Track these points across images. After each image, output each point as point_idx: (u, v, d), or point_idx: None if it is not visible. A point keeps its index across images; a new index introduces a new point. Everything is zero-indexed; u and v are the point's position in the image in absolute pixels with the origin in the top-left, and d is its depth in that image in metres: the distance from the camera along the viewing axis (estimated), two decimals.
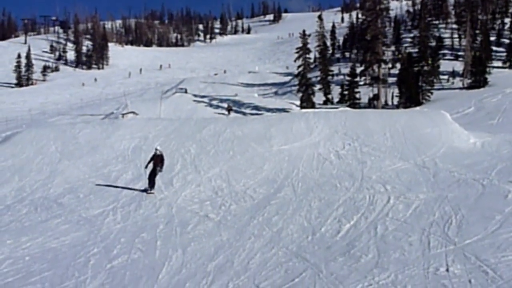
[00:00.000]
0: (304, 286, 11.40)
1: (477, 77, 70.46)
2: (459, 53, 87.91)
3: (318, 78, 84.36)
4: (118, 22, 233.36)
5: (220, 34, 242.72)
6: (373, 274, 11.63)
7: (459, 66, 79.87)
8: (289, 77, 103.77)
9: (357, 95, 75.60)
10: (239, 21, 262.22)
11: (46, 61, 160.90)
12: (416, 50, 79.74)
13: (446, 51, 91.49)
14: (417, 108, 59.44)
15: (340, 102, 76.50)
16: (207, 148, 26.95)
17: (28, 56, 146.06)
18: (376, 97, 73.23)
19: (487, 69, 72.46)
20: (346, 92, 77.26)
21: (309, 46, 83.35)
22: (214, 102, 76.71)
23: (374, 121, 28.42)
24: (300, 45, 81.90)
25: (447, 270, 11.39)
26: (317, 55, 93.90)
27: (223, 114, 62.97)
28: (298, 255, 13.46)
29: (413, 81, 70.75)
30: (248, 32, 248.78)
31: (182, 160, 25.60)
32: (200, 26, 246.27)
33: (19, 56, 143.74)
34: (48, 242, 16.47)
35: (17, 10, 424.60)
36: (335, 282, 11.46)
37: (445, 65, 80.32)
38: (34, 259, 14.96)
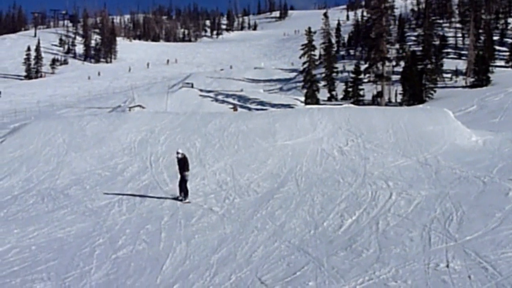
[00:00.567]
0: (306, 279, 11.39)
1: (480, 76, 70.31)
2: (463, 52, 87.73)
3: (323, 75, 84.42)
4: (127, 17, 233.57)
5: (227, 30, 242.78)
6: (374, 269, 11.61)
7: (462, 64, 79.70)
8: (294, 74, 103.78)
9: (361, 92, 75.72)
10: (246, 18, 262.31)
11: (55, 54, 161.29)
12: (420, 48, 79.65)
13: (449, 50, 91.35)
14: (420, 105, 59.24)
15: (344, 98, 76.64)
16: (212, 142, 26.93)
17: (37, 49, 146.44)
18: (379, 94, 73.18)
19: (490, 68, 72.31)
20: (350, 89, 77.41)
21: (314, 43, 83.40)
22: (220, 97, 76.78)
23: (378, 118, 28.36)
24: (306, 42, 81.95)
25: (447, 266, 11.37)
26: (322, 52, 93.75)
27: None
28: (300, 248, 13.44)
29: (416, 79, 70.66)
30: (255, 29, 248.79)
31: (187, 153, 25.51)
32: (207, 22, 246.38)
33: (28, 49, 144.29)
34: (54, 232, 16.49)
35: (27, 3, 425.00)
36: (336, 276, 11.44)
37: (448, 64, 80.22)
38: (40, 249, 14.98)
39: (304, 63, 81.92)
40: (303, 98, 75.88)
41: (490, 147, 23.69)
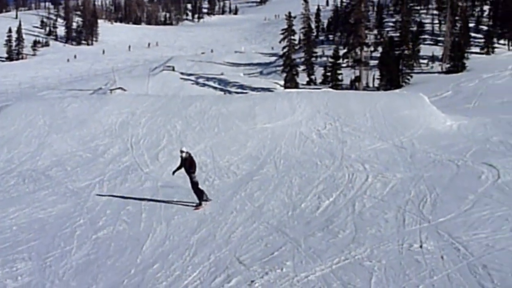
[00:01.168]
0: (283, 259, 11.45)
1: (455, 62, 70.64)
2: (439, 38, 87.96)
3: (302, 59, 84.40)
4: None
5: (208, 14, 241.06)
6: (350, 249, 11.70)
7: (438, 51, 79.99)
8: (274, 58, 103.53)
9: (340, 77, 75.75)
10: (227, 2, 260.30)
11: (37, 36, 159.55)
12: (398, 34, 79.72)
13: (426, 36, 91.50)
14: (397, 90, 59.53)
15: (323, 83, 76.68)
16: (193, 124, 26.84)
17: (19, 31, 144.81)
18: (357, 79, 73.38)
19: (465, 55, 72.67)
20: (329, 74, 77.44)
21: (294, 28, 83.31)
22: (201, 81, 76.49)
23: (355, 102, 28.43)
24: (286, 27, 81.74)
25: (421, 246, 11.49)
26: (302, 37, 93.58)
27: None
28: (278, 229, 13.49)
29: (393, 64, 70.97)
30: (236, 13, 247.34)
31: (168, 136, 25.50)
32: (189, 6, 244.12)
33: (10, 30, 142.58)
34: (35, 213, 16.41)
35: None
36: (313, 256, 11.51)
37: (425, 50, 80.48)
38: (21, 229, 14.91)
39: (284, 47, 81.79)
40: (282, 82, 75.88)
41: (464, 132, 23.88)
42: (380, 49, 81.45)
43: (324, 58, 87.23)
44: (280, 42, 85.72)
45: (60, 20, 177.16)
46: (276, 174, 19.29)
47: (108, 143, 25.10)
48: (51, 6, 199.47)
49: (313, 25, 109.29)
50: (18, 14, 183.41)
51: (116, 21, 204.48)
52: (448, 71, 70.47)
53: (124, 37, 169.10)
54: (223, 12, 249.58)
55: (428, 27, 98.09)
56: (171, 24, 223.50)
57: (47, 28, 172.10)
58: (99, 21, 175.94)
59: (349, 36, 78.74)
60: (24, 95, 69.97)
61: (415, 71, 73.11)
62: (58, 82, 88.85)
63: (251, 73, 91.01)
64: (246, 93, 60.89)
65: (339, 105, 27.79)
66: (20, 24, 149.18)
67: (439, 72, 72.61)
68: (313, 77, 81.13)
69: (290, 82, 75.27)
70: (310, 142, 23.54)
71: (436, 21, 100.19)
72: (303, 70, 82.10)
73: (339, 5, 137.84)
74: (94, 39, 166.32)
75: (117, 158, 22.93)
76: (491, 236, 11.64)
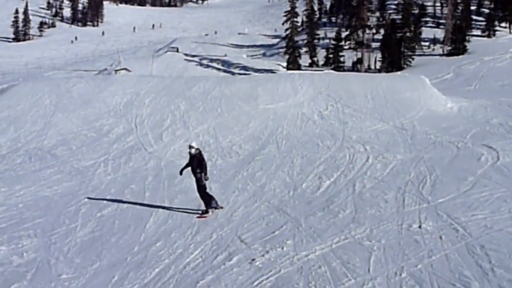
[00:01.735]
0: (284, 238, 11.44)
1: (457, 44, 70.26)
2: (441, 21, 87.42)
3: (305, 41, 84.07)
4: None
5: None
6: (350, 229, 11.68)
7: (440, 33, 79.57)
8: (277, 40, 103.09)
9: (342, 59, 75.56)
10: None
11: (43, 17, 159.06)
12: (400, 17, 79.32)
13: (428, 19, 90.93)
14: (398, 72, 59.32)
15: (325, 65, 76.39)
16: (196, 105, 26.77)
17: (25, 12, 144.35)
18: (359, 61, 73.11)
19: (467, 37, 72.25)
20: (331, 56, 77.19)
21: (297, 10, 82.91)
22: (205, 62, 76.24)
23: (357, 84, 28.31)
24: (289, 9, 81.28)
25: (420, 226, 11.46)
26: (305, 19, 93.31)
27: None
28: (279, 209, 13.48)
29: (395, 46, 70.67)
30: None
31: (171, 116, 25.45)
32: None
33: (16, 11, 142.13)
34: (40, 191, 16.45)
35: None
36: (313, 235, 11.50)
37: (427, 32, 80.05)
38: (27, 207, 14.94)
39: (286, 29, 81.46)
40: (285, 64, 75.57)
41: (465, 114, 23.80)
42: (382, 31, 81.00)
43: (327, 40, 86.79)
44: (283, 24, 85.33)
45: (66, 2, 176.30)
46: (277, 154, 19.27)
47: (113, 123, 25.06)
48: None
49: (315, 7, 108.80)
50: None
51: (121, 3, 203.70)
52: (449, 54, 70.12)
53: (129, 18, 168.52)
54: None
55: (430, 9, 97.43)
56: (175, 6, 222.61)
57: (53, 10, 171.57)
58: (105, 2, 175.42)
59: (351, 18, 78.31)
60: (31, 75, 69.77)
61: (417, 53, 72.83)
62: (64, 62, 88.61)
63: (254, 55, 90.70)
64: (249, 74, 60.68)
65: (341, 87, 27.67)
66: (26, 6, 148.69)
67: (440, 55, 72.30)
68: (315, 59, 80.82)
69: (293, 64, 75.01)
70: (311, 123, 23.48)
71: (438, 4, 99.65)
72: (306, 52, 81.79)
73: None
74: (100, 20, 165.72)
75: (122, 138, 22.92)
76: (489, 217, 11.61)
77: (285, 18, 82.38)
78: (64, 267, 10.92)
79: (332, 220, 12.33)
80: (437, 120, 22.74)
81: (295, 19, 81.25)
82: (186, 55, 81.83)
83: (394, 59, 69.52)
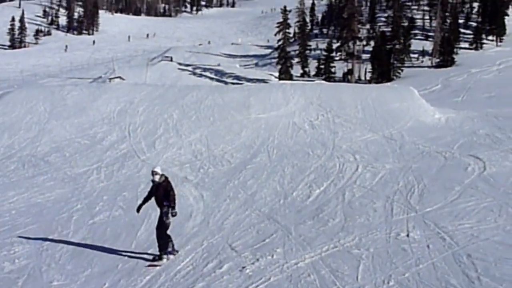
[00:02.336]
0: (274, 246, 11.41)
1: (445, 56, 70.64)
2: (429, 34, 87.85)
3: (297, 52, 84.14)
4: None
5: (206, 6, 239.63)
6: (339, 237, 11.67)
7: (428, 45, 79.97)
8: (270, 50, 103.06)
9: (333, 70, 75.65)
10: None
11: (39, 25, 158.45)
12: (390, 29, 79.66)
13: (417, 31, 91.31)
14: (388, 83, 59.48)
15: (316, 75, 76.52)
16: (189, 114, 26.71)
17: (21, 20, 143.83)
18: (350, 72, 73.29)
19: (455, 50, 72.65)
20: (322, 66, 77.28)
21: (289, 21, 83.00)
22: (198, 71, 76.19)
23: (347, 94, 28.37)
24: (281, 20, 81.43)
25: (408, 235, 11.47)
26: (297, 30, 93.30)
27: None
28: (270, 217, 13.46)
29: (385, 58, 70.99)
30: (233, 6, 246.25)
31: (165, 124, 25.37)
32: None
33: (13, 19, 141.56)
34: (33, 197, 16.35)
35: None
36: (303, 243, 11.48)
37: (416, 45, 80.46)
38: (20, 213, 14.85)
39: (279, 40, 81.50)
40: (277, 74, 75.60)
41: (452, 124, 23.87)
42: (372, 43, 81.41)
43: (318, 51, 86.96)
44: (275, 35, 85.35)
45: (62, 10, 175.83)
46: (269, 163, 19.25)
47: (106, 131, 24.96)
48: None
49: (307, 19, 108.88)
50: (21, 3, 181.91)
51: (116, 12, 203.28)
52: (437, 66, 70.48)
53: (124, 27, 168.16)
54: (220, 5, 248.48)
55: (419, 22, 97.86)
56: (170, 15, 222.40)
57: (49, 18, 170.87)
58: (100, 11, 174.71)
59: (343, 30, 78.67)
60: (26, 82, 69.53)
61: (406, 65, 73.13)
62: (59, 70, 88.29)
63: (246, 65, 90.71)
64: (241, 84, 60.66)
65: (332, 97, 27.71)
66: (23, 13, 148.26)
67: (429, 67, 72.63)
68: (307, 69, 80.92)
69: (285, 74, 75.04)
70: (302, 132, 23.48)
71: (427, 17, 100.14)
72: (297, 62, 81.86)
73: (333, 0, 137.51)
74: (95, 29, 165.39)
75: (115, 145, 22.81)
76: (476, 227, 11.63)
77: (277, 29, 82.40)
78: (56, 274, 10.84)
79: (322, 229, 12.31)
80: (425, 131, 22.80)
81: (287, 30, 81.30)
82: (180, 64, 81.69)
83: (384, 70, 69.79)
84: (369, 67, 73.61)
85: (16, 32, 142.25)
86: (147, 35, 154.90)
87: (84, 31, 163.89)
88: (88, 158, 21.15)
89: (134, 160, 20.57)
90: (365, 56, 77.25)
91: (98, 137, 24.19)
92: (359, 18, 76.96)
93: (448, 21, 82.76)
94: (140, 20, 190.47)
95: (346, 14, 75.75)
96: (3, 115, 27.77)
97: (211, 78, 72.26)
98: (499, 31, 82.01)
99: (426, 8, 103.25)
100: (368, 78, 72.78)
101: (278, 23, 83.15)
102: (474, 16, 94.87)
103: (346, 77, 72.89)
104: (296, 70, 79.16)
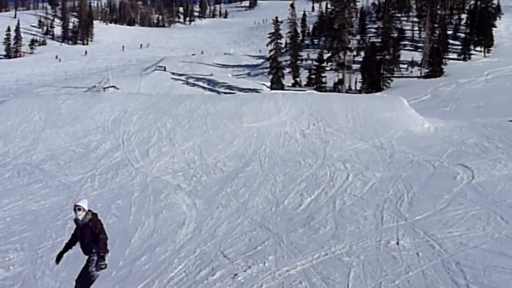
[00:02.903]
0: (266, 254, 11.40)
1: (434, 67, 70.91)
2: (419, 45, 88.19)
3: (288, 62, 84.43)
4: (104, 1, 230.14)
5: (199, 17, 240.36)
6: (330, 245, 11.67)
7: (418, 56, 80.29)
8: (261, 60, 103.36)
9: (323, 79, 75.90)
10: (217, 6, 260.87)
11: (34, 35, 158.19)
12: (380, 40, 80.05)
13: (406, 42, 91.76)
14: (378, 93, 59.64)
15: (308, 85, 76.71)
16: (182, 122, 26.69)
17: (17, 30, 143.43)
18: (340, 82, 73.48)
19: (444, 60, 72.98)
20: (313, 76, 77.51)
21: (281, 32, 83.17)
22: (191, 81, 76.25)
23: (338, 104, 28.42)
24: (273, 31, 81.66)
25: (397, 243, 11.48)
26: (288, 41, 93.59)
27: None
28: (261, 225, 13.44)
29: (375, 68, 71.21)
30: (225, 17, 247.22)
31: (158, 133, 25.33)
32: (181, 9, 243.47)
33: (8, 29, 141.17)
34: (28, 205, 16.26)
35: None
36: (294, 251, 11.47)
37: (405, 55, 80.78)
38: (15, 221, 14.77)
39: (271, 50, 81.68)
40: (269, 83, 75.78)
41: (441, 134, 23.94)
42: (362, 53, 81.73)
43: (309, 61, 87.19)
44: (267, 45, 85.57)
45: (57, 20, 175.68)
46: (261, 171, 19.23)
47: (101, 139, 24.88)
48: (49, 7, 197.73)
49: (299, 30, 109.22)
50: (17, 13, 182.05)
51: (111, 22, 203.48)
52: (426, 76, 70.75)
53: (118, 37, 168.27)
54: (213, 16, 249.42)
55: (408, 33, 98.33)
56: (163, 26, 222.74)
57: (45, 28, 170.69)
58: (95, 21, 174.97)
59: (333, 40, 78.82)
60: (21, 91, 69.30)
61: (395, 75, 73.38)
62: (53, 79, 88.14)
63: (239, 75, 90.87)
64: (234, 93, 60.76)
65: (323, 107, 27.77)
66: (18, 23, 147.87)
67: (418, 77, 72.90)
68: (298, 79, 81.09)
69: (276, 84, 75.23)
70: (294, 141, 23.49)
71: (416, 28, 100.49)
72: (289, 72, 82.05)
73: (324, 11, 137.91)
74: (90, 39, 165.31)
75: (109, 154, 22.73)
76: (464, 234, 11.66)
77: (269, 40, 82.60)
78: (50, 281, 10.79)
79: (313, 236, 12.31)
80: (415, 140, 22.86)
81: (279, 41, 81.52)
82: (173, 74, 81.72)
83: (374, 80, 70.00)
84: (359, 77, 73.82)
85: (12, 42, 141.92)
86: (141, 45, 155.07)
87: (79, 41, 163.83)
88: (83, 166, 21.06)
89: (128, 169, 20.49)
90: (355, 66, 77.51)
91: (92, 145, 24.11)
92: (349, 29, 77.08)
93: (437, 32, 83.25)
94: (134, 31, 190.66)
95: (337, 25, 75.96)
96: None
97: (204, 88, 72.38)
98: (487, 42, 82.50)
99: (415, 19, 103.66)
100: (358, 88, 72.99)
101: (270, 33, 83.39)
102: (462, 27, 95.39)
103: (337, 87, 73.08)
104: (288, 80, 79.34)
